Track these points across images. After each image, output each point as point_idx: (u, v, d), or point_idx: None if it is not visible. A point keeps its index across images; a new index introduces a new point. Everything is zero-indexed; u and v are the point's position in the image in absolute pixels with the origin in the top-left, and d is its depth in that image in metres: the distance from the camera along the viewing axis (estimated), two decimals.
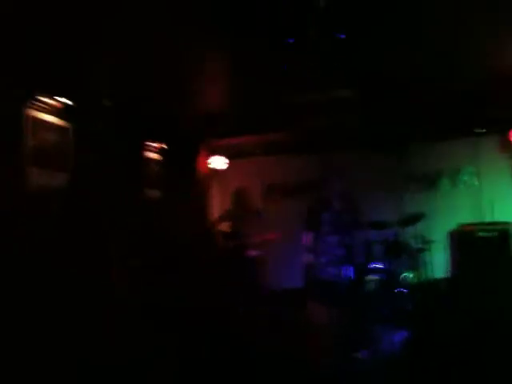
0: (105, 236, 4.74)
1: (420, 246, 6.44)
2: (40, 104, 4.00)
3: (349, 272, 5.55)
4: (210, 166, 7.41)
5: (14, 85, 3.69)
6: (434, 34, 4.13)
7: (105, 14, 3.31)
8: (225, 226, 6.40)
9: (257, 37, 3.92)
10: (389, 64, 4.82)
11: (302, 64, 4.20)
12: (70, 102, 4.35)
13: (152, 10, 3.34)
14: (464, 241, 6.47)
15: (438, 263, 6.71)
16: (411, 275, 6.17)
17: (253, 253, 6.08)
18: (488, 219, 6.56)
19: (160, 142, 6.30)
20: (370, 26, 3.77)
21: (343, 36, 3.37)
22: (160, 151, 6.34)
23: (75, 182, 4.42)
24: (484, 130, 6.90)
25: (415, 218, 6.32)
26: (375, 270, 6.01)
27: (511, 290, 5.21)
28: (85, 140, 4.58)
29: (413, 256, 6.37)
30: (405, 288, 5.86)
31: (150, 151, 6.15)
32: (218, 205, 7.54)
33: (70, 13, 3.24)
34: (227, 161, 7.48)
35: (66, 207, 4.29)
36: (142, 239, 5.35)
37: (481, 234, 6.34)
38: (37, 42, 3.65)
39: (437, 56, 4.72)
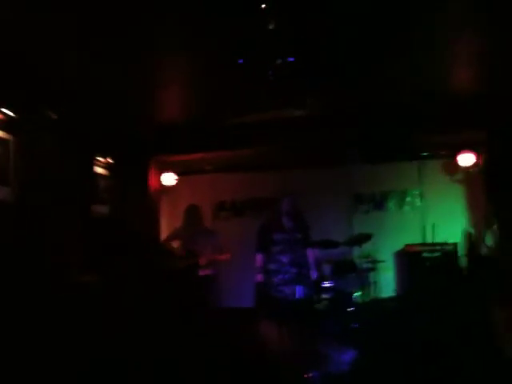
0: (51, 253, 4.57)
1: (367, 265, 6.55)
2: None
3: (299, 291, 5.57)
4: (160, 182, 7.30)
5: None
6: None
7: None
8: (175, 244, 6.29)
9: (209, 55, 3.95)
10: (338, 85, 4.93)
11: (252, 84, 4.24)
12: (11, 114, 4.19)
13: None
14: (409, 261, 6.69)
15: (385, 282, 6.87)
16: (359, 294, 6.26)
17: (203, 272, 6.00)
18: (430, 240, 6.77)
19: (109, 156, 6.17)
20: (320, 50, 3.86)
21: (292, 59, 3.42)
22: (109, 166, 6.21)
23: (18, 197, 4.24)
24: (428, 154, 7.15)
25: (363, 238, 6.43)
26: (325, 289, 6.05)
27: (455, 308, 5.35)
28: (28, 153, 4.42)
29: (360, 275, 6.48)
30: (353, 306, 5.93)
31: (99, 166, 6.01)
32: (167, 222, 7.43)
33: None
34: (177, 177, 7.40)
35: (9, 223, 4.11)
36: (93, 255, 5.19)
37: (425, 254, 6.57)
38: None
39: (386, 81, 4.88)
